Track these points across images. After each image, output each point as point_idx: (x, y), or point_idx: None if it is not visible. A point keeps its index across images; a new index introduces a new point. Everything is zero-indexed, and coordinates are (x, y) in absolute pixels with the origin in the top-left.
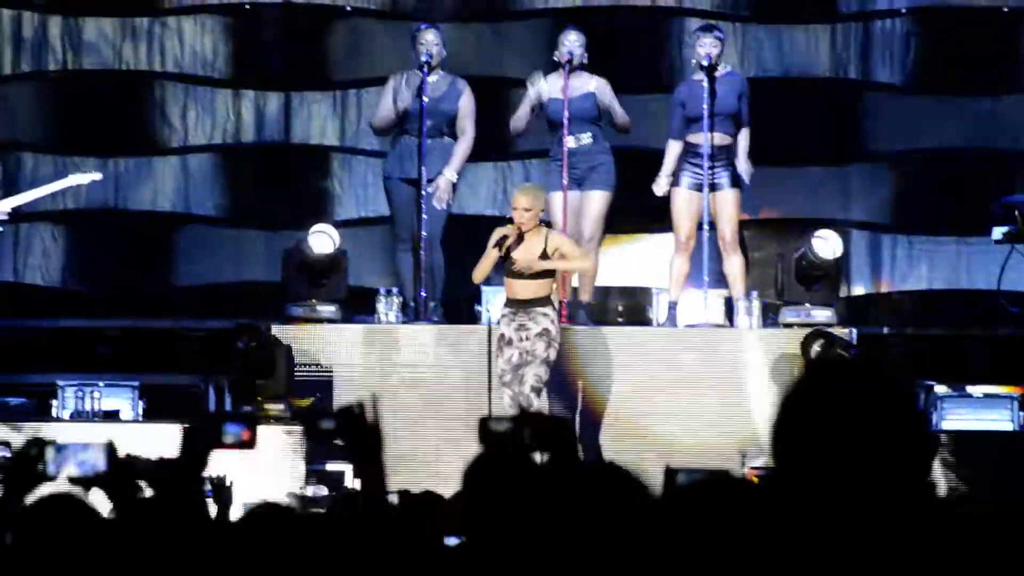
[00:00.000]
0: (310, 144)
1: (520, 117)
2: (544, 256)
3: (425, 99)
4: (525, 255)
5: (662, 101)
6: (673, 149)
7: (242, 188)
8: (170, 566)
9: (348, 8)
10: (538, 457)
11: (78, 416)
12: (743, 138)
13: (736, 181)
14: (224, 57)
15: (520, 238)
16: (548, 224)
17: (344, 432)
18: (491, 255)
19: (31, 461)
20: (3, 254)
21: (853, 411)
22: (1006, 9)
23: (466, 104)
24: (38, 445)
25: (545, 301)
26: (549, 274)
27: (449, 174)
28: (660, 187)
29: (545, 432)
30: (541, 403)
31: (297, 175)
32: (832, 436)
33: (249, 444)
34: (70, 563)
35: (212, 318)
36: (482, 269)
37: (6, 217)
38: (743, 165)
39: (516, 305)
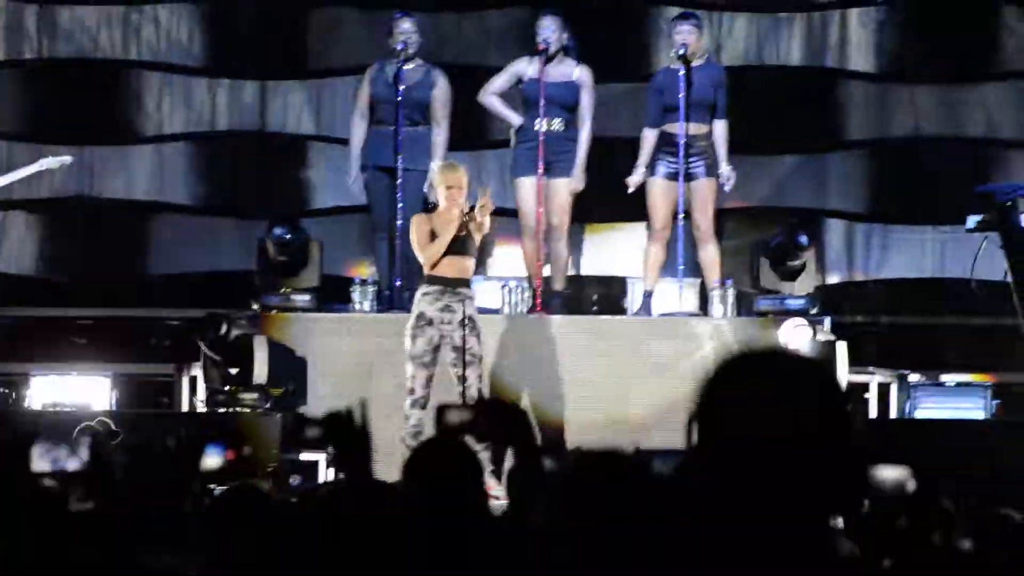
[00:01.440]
0: (286, 132)
1: (494, 86)
2: (467, 233)
3: (400, 87)
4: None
5: (639, 90)
6: (649, 138)
7: (217, 177)
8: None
9: None
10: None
11: (51, 406)
12: (721, 133)
13: (711, 171)
14: (200, 45)
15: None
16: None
17: (331, 439)
18: (448, 235)
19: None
20: None
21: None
22: None
23: (441, 93)
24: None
25: (470, 283)
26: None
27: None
28: (634, 181)
29: (502, 421)
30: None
31: (273, 164)
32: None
33: (234, 463)
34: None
35: (186, 307)
36: (436, 251)
37: None
38: (724, 168)
39: (444, 283)
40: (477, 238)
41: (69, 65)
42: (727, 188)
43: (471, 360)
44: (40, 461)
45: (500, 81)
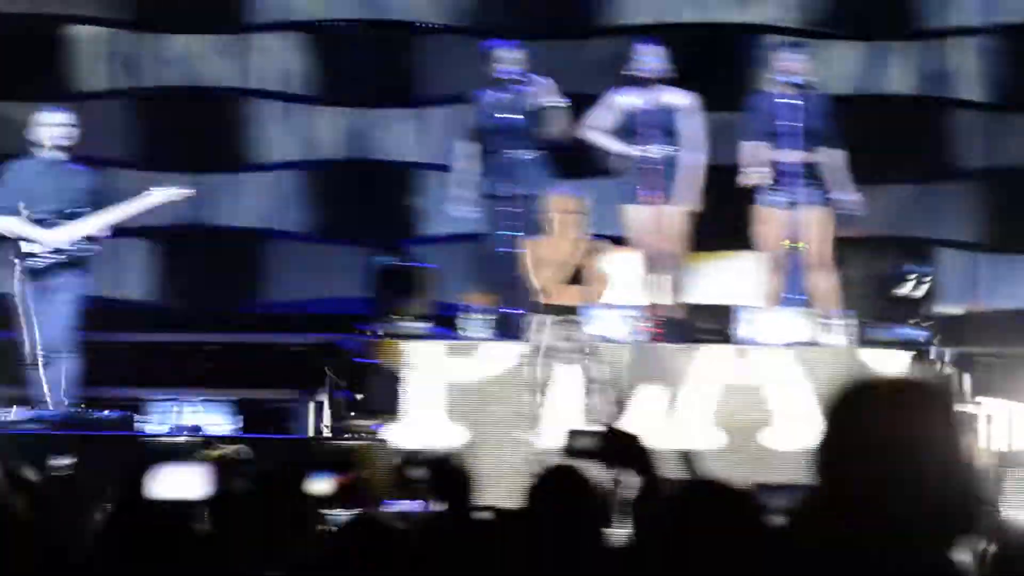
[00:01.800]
0: (396, 161)
1: (599, 122)
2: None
3: (518, 116)
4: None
5: (736, 119)
6: (747, 150)
7: (327, 204)
8: None
9: (432, 25)
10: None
11: (176, 431)
12: (842, 162)
13: (826, 199)
14: (306, 74)
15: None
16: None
17: (435, 483)
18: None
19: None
20: (101, 269)
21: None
22: None
23: (559, 117)
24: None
25: (584, 310)
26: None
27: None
28: (750, 179)
29: (626, 448)
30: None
31: (381, 192)
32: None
33: (348, 490)
34: None
35: (303, 332)
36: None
37: (106, 234)
38: (850, 194)
39: (559, 311)
40: (592, 267)
41: (181, 94)
42: (859, 212)
43: (594, 387)
44: (163, 486)
45: (604, 116)
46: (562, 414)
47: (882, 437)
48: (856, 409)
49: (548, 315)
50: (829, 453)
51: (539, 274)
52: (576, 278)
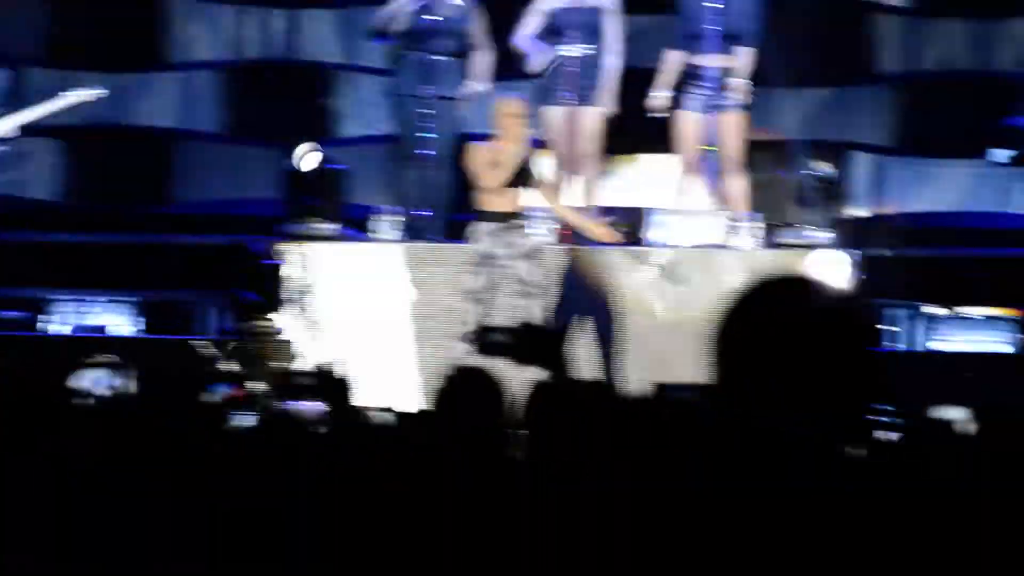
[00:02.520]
0: (315, 61)
1: (528, 28)
2: (524, 165)
3: (437, 17)
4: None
5: (662, 19)
6: (671, 61)
7: (245, 105)
8: None
9: None
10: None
11: (79, 331)
12: (747, 58)
13: (741, 104)
14: None
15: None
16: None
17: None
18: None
19: None
20: (5, 170)
21: (794, 333)
22: None
23: (478, 19)
24: None
25: (525, 215)
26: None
27: (472, 102)
28: (658, 102)
29: (543, 346)
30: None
31: (301, 92)
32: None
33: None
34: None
35: (212, 234)
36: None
37: (16, 135)
38: (742, 83)
39: (502, 218)
40: (533, 171)
41: None
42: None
43: (530, 290)
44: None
45: (533, 21)
46: (497, 319)
47: (778, 330)
48: (754, 305)
49: (491, 222)
50: (727, 350)
51: (483, 178)
52: (518, 182)
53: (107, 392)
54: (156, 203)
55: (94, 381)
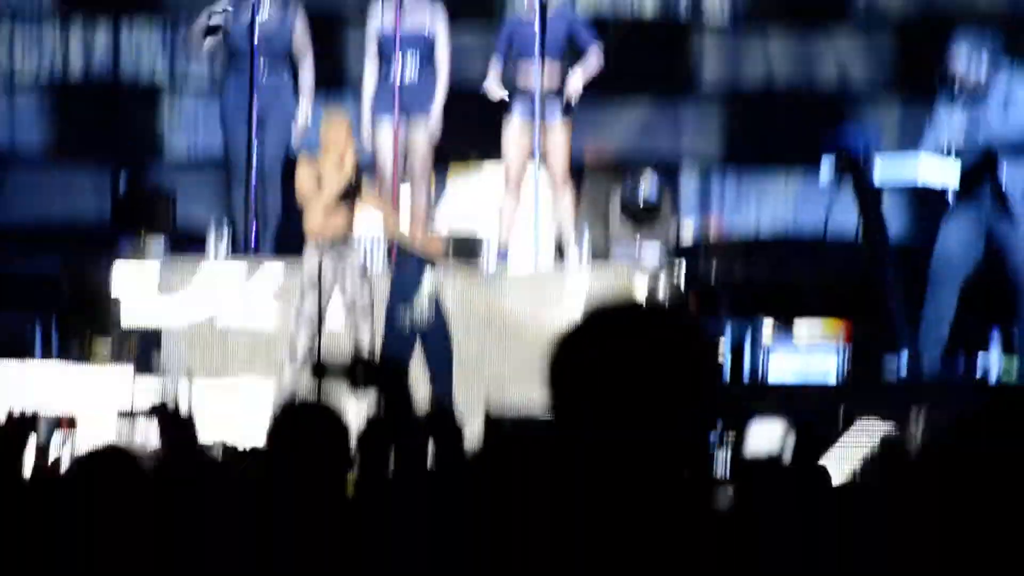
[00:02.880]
0: (140, 80)
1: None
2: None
3: (256, 34)
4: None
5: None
6: (491, 69)
7: (70, 125)
8: None
9: None
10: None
11: None
12: (577, 72)
13: (567, 110)
14: None
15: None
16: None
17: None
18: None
19: None
20: None
21: (634, 353)
22: None
23: (302, 31)
24: None
25: (355, 238)
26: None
27: (303, 118)
28: (494, 89)
29: (379, 374)
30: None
31: (126, 112)
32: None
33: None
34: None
35: (40, 256)
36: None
37: None
38: (574, 83)
39: (331, 241)
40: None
41: None
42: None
43: (361, 312)
44: None
45: (371, 47)
46: (324, 344)
47: (615, 355)
48: (589, 330)
49: (320, 243)
50: (563, 377)
51: (309, 196)
52: (346, 199)
53: None
54: None
55: None
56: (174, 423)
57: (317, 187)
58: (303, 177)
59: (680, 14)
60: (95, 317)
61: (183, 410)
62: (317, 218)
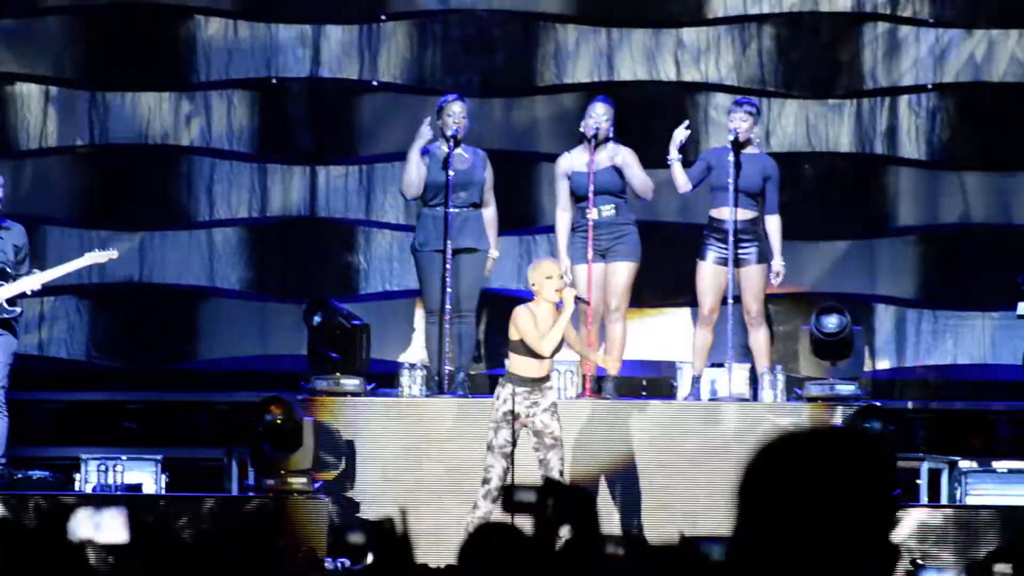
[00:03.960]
0: (335, 218)
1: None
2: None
3: (451, 172)
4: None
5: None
6: (679, 168)
7: (267, 262)
8: None
9: (375, 83)
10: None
11: (101, 489)
12: (775, 228)
13: (762, 257)
14: (250, 131)
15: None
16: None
17: (375, 545)
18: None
19: None
20: (28, 328)
21: (818, 485)
22: None
23: (490, 175)
24: None
25: (549, 377)
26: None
27: (494, 253)
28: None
29: (569, 503)
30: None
31: (322, 249)
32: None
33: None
34: None
35: (237, 391)
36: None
37: (37, 289)
38: (777, 263)
39: (532, 383)
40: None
41: (121, 151)
42: (776, 283)
43: (553, 443)
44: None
45: (563, 196)
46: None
47: (806, 487)
48: (783, 460)
49: (521, 387)
50: (756, 504)
51: (543, 336)
52: (554, 343)
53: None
54: (179, 360)
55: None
56: (392, 541)
57: (535, 332)
58: (528, 320)
59: (876, 150)
60: (293, 453)
61: (399, 530)
62: (518, 359)
